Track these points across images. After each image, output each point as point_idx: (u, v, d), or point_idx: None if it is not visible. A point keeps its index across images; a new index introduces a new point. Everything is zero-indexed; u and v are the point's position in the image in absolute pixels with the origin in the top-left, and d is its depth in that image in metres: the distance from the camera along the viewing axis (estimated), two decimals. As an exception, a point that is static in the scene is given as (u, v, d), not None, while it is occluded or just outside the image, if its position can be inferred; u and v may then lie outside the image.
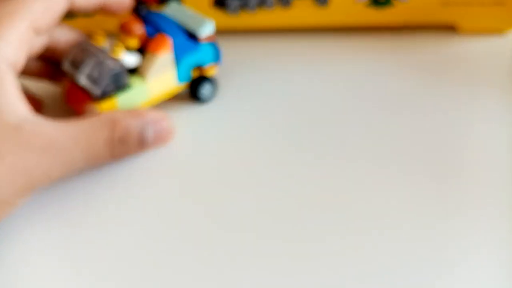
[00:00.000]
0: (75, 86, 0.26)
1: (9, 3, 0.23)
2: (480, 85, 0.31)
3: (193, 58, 0.28)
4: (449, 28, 0.35)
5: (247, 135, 0.28)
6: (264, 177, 0.26)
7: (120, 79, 0.25)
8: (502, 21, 0.34)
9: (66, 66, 0.26)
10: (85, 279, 0.21)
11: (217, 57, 0.30)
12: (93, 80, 0.25)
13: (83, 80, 0.25)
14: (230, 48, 0.32)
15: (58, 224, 0.24)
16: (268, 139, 0.28)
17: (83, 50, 0.26)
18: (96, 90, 0.25)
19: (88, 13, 0.31)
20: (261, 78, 0.32)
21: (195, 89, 0.29)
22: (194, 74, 0.29)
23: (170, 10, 0.29)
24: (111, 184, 0.25)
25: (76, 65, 0.26)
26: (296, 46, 0.34)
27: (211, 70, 0.30)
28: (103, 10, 0.27)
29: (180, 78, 0.28)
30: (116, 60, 0.25)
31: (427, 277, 0.21)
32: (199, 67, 0.29)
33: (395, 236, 0.23)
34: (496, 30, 0.35)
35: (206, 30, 0.28)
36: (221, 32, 0.32)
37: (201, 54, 0.29)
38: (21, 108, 0.22)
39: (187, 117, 0.29)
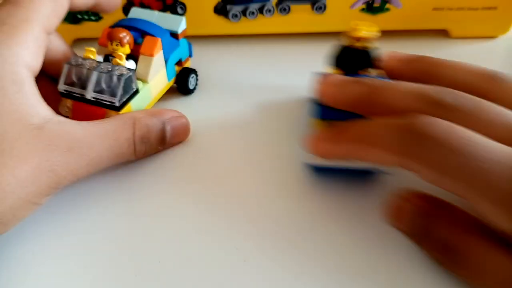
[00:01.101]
0: (82, 104, 0.26)
1: (20, 8, 0.23)
2: None
3: (176, 54, 0.30)
4: (442, 33, 0.36)
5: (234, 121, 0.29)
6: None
7: (131, 85, 0.26)
8: (493, 25, 0.35)
9: (64, 87, 0.25)
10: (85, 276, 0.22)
11: (190, 51, 0.32)
12: (109, 92, 0.25)
13: (95, 95, 0.25)
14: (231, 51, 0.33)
15: (59, 224, 0.24)
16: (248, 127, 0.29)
17: (79, 66, 0.25)
18: (115, 100, 0.25)
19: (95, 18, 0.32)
20: (254, 78, 0.33)
21: (184, 81, 0.31)
22: (176, 69, 0.31)
23: (136, 15, 0.29)
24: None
25: (82, 82, 0.25)
26: (295, 50, 0.35)
27: (187, 63, 0.32)
28: (95, 8, 0.28)
29: (169, 75, 0.30)
30: (122, 67, 0.26)
31: None
32: (179, 62, 0.31)
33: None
34: (487, 35, 0.36)
35: (182, 26, 0.30)
36: (223, 37, 0.33)
37: (180, 50, 0.30)
38: (43, 110, 0.22)
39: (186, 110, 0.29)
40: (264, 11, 0.34)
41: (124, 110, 0.26)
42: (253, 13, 0.34)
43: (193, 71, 0.31)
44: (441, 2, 0.34)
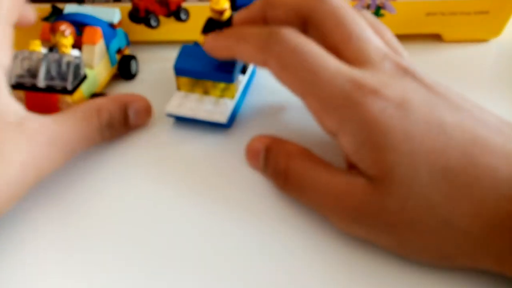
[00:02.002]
0: (34, 93, 0.28)
1: None
2: (465, 90, 0.32)
3: (116, 43, 0.32)
4: (435, 37, 0.37)
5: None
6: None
7: (80, 71, 0.28)
8: (485, 29, 0.36)
9: (15, 79, 0.27)
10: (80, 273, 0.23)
11: (127, 40, 0.34)
12: (60, 78, 0.27)
13: (48, 82, 0.27)
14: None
15: (52, 217, 0.25)
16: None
17: (26, 59, 0.27)
18: (68, 85, 0.27)
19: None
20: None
21: (126, 67, 0.33)
22: (117, 57, 0.33)
23: (72, 10, 0.32)
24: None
25: (32, 73, 0.27)
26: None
27: (127, 51, 0.34)
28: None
29: (111, 61, 0.32)
30: (69, 56, 0.28)
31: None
32: (119, 50, 0.33)
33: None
34: (480, 38, 0.37)
35: (117, 17, 0.32)
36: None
37: (118, 38, 0.33)
38: (18, 107, 0.23)
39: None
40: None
41: (76, 95, 0.28)
42: (253, 18, 0.35)
43: (133, 57, 0.34)
44: (434, 7, 0.34)
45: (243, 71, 0.31)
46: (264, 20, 0.26)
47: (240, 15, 0.27)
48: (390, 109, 0.21)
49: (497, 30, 0.36)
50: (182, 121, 0.30)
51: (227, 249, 0.23)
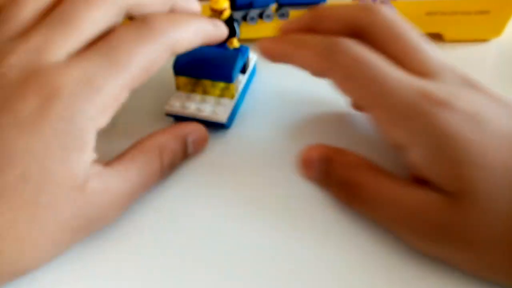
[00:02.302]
0: None
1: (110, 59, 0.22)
2: None
3: None
4: (435, 36, 0.37)
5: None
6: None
7: None
8: (486, 29, 0.36)
9: None
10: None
11: None
12: None
13: None
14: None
15: None
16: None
17: None
18: None
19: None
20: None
21: None
22: None
23: None
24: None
25: None
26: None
27: None
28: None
29: None
30: None
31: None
32: None
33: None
34: (481, 38, 0.37)
35: None
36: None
37: None
38: (89, 163, 0.21)
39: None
40: (263, 17, 0.35)
41: None
42: (253, 18, 0.35)
43: None
44: (434, 7, 0.34)
45: (243, 70, 0.31)
46: (313, 32, 0.25)
47: (288, 25, 0.26)
48: (464, 122, 0.20)
49: (498, 30, 0.36)
50: (181, 121, 0.29)
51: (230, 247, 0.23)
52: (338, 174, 0.24)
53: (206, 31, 0.25)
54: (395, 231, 0.22)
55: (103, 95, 0.21)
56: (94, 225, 0.22)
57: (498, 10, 0.35)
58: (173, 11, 0.25)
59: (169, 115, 0.29)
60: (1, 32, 0.22)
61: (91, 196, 0.21)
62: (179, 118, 0.29)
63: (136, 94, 0.27)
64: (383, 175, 0.22)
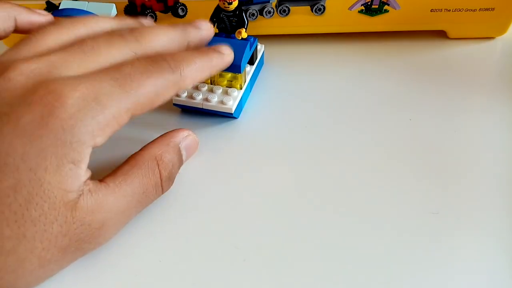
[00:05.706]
0: None
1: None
2: (470, 86, 0.32)
3: None
4: (440, 34, 0.36)
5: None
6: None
7: None
8: (491, 26, 0.36)
9: None
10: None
11: None
12: None
13: None
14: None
15: None
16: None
17: None
18: None
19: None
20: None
21: None
22: None
23: (67, 5, 0.31)
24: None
25: None
26: (292, 51, 0.36)
27: None
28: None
29: None
30: None
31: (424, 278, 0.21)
32: None
33: (394, 235, 0.23)
34: (485, 35, 0.36)
35: (113, 12, 0.31)
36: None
37: None
38: (82, 183, 0.20)
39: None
40: (264, 13, 0.34)
41: None
42: (253, 14, 0.34)
43: None
44: (439, 4, 0.34)
45: (251, 62, 0.30)
46: None
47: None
48: None
49: (502, 28, 0.36)
50: (189, 111, 0.29)
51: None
52: None
53: (212, 67, 0.25)
54: None
55: (106, 113, 0.21)
56: (86, 245, 0.21)
57: (503, 7, 0.34)
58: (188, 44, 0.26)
59: (177, 105, 0.29)
60: (19, 50, 0.22)
61: (83, 213, 0.20)
62: (187, 108, 0.29)
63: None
64: None
